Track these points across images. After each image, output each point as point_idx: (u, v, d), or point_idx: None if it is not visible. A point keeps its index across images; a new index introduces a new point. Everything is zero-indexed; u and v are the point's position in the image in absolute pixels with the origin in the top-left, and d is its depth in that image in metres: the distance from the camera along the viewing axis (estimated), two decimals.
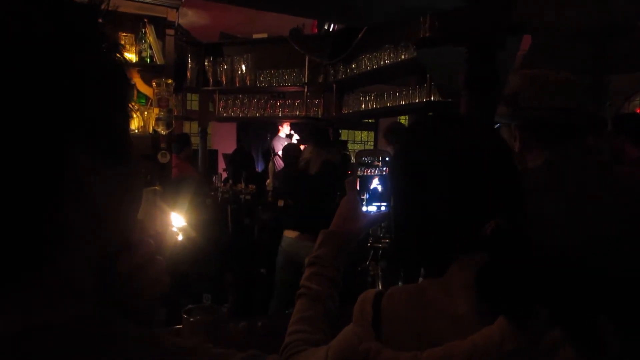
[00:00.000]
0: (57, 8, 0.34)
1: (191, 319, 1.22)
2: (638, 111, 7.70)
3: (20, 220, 0.31)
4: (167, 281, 0.53)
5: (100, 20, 0.38)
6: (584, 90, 1.23)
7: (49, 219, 0.33)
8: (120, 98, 0.39)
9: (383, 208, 1.07)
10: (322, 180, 2.84)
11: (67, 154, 0.33)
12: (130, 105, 0.42)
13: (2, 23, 0.31)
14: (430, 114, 3.29)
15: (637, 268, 1.11)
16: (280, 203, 4.00)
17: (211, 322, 1.23)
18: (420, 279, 0.89)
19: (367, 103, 4.15)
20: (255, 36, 4.79)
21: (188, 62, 4.53)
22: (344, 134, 8.31)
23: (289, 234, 2.94)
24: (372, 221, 1.03)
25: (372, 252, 2.60)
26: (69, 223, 0.34)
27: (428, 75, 3.19)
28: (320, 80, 4.56)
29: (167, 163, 3.40)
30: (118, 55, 0.39)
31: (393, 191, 0.80)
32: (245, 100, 4.74)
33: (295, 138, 5.69)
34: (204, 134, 5.03)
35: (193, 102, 5.79)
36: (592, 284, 0.75)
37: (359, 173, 1.14)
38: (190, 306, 1.28)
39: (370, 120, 7.89)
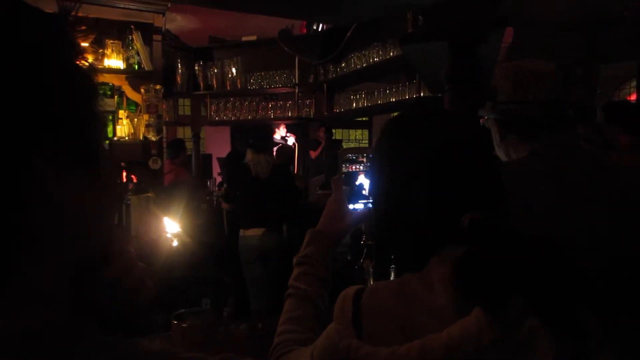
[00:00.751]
0: (19, 17, 0.35)
1: (182, 325, 1.22)
2: (629, 99, 7.72)
3: None
4: (150, 287, 0.53)
5: (67, 28, 0.38)
6: (565, 80, 1.23)
7: (14, 227, 0.33)
8: (87, 105, 0.39)
9: (370, 205, 1.07)
10: (274, 184, 3.20)
11: (31, 163, 0.33)
12: (101, 112, 0.41)
13: None
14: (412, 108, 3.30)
15: (623, 256, 1.11)
16: (225, 206, 3.91)
17: (201, 326, 1.23)
18: (392, 275, 0.89)
19: (358, 101, 4.16)
20: (244, 39, 4.79)
21: (178, 67, 4.53)
22: (338, 134, 8.31)
23: (256, 232, 3.21)
24: (359, 219, 1.03)
25: (365, 249, 2.61)
26: (35, 231, 0.34)
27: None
28: (311, 80, 4.56)
29: (159, 169, 3.38)
30: (84, 62, 0.39)
31: (373, 185, 0.79)
32: (237, 103, 4.75)
33: (291, 140, 5.70)
34: (196, 138, 5.03)
35: (185, 107, 5.78)
36: (572, 273, 0.75)
37: (344, 170, 1.14)
38: (181, 311, 1.27)
39: (364, 119, 7.90)
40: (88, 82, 0.39)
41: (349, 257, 2.92)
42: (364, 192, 1.10)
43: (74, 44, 0.38)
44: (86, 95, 0.39)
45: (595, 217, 1.15)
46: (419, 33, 1.77)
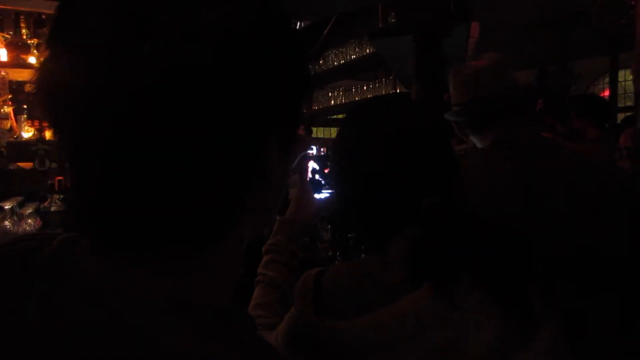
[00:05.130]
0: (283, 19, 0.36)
1: None
2: (602, 95, 7.91)
3: (217, 194, 0.33)
4: None
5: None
6: (501, 72, 1.28)
7: (241, 205, 0.35)
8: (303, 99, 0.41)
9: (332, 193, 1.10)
10: None
11: (266, 151, 0.35)
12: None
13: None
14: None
15: (577, 236, 1.17)
16: None
17: None
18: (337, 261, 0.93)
19: (336, 98, 4.20)
20: None
21: None
22: (320, 132, 8.33)
23: None
24: (323, 207, 1.07)
25: (351, 241, 2.65)
26: (256, 208, 0.37)
27: None
28: None
29: None
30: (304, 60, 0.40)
31: (333, 170, 0.82)
32: None
33: None
34: None
35: None
36: (519, 252, 0.78)
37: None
38: None
39: (341, 116, 7.93)
40: (307, 79, 0.40)
41: (329, 253, 2.96)
42: (317, 177, 1.12)
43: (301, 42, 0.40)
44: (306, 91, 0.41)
45: (546, 202, 1.20)
46: (386, 28, 1.82)
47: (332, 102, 4.20)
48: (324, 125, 8.68)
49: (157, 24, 0.29)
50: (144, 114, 0.29)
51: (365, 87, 3.87)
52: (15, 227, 1.66)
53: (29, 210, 1.72)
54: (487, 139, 1.39)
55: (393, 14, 1.84)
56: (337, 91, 4.18)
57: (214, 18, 0.31)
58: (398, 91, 3.35)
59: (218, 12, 0.31)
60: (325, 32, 3.78)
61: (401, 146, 0.74)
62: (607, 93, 7.61)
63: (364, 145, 0.76)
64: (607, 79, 7.39)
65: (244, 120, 0.33)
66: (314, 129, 6.36)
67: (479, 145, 1.44)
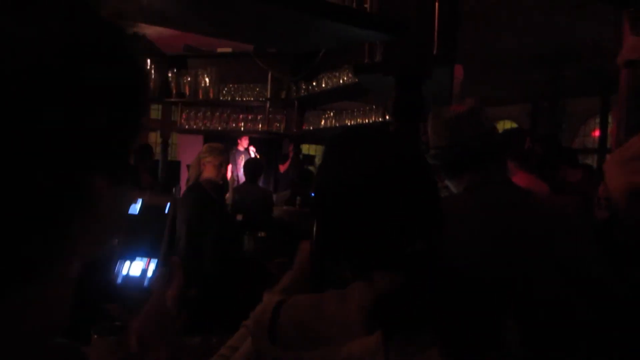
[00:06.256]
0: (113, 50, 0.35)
1: (96, 336, 1.20)
2: (593, 134, 8.02)
3: (32, 227, 0.32)
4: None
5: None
6: (480, 118, 1.30)
7: (58, 229, 0.33)
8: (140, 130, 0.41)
9: None
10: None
11: (88, 178, 0.34)
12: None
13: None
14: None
15: (543, 283, 1.18)
16: (239, 217, 4.01)
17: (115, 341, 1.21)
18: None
19: (326, 120, 4.22)
20: (219, 50, 4.82)
21: (152, 72, 4.52)
22: (312, 149, 8.36)
23: None
24: None
25: None
26: (74, 236, 0.35)
27: None
28: (283, 96, 4.62)
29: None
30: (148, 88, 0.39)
31: (316, 202, 0.80)
32: (208, 113, 4.75)
33: (252, 152, 5.72)
34: (164, 145, 5.01)
35: (157, 112, 5.75)
36: (489, 305, 0.77)
37: None
38: (103, 322, 1.26)
39: None
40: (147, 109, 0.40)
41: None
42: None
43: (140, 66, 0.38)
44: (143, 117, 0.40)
45: (521, 250, 1.21)
46: (369, 65, 1.84)
47: (322, 123, 4.22)
48: (316, 143, 8.71)
49: None
50: None
51: (355, 112, 3.90)
52: None
53: None
54: (461, 184, 1.40)
55: (381, 50, 1.86)
56: (328, 113, 4.20)
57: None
58: (387, 119, 3.37)
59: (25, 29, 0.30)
60: (320, 55, 3.81)
61: (384, 181, 0.72)
62: (597, 133, 7.72)
63: (344, 176, 0.74)
64: (598, 119, 7.50)
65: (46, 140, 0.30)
66: (307, 147, 6.38)
67: (453, 189, 1.45)
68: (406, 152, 0.77)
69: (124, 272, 0.63)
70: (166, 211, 0.67)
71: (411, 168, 0.75)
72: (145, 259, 0.63)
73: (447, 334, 0.64)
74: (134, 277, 0.63)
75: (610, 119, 6.83)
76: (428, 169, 0.79)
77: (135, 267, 0.63)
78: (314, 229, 0.89)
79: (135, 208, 0.64)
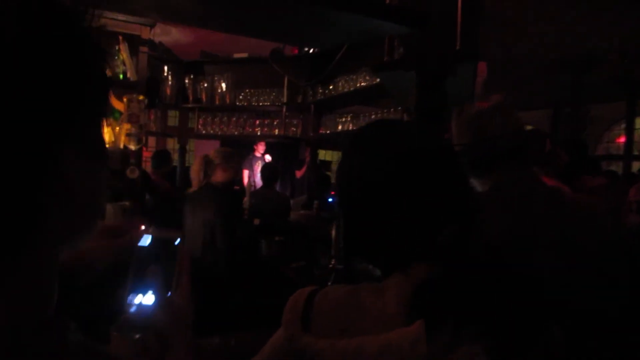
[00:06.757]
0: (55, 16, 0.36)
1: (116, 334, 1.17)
2: (617, 141, 7.81)
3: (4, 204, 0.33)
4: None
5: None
6: (506, 114, 1.24)
7: (28, 207, 0.35)
8: (106, 104, 0.43)
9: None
10: None
11: (56, 153, 0.36)
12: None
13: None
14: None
15: (571, 284, 1.12)
16: (257, 221, 3.98)
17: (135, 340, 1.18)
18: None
19: (343, 124, 4.18)
20: (236, 55, 4.83)
21: (168, 78, 4.54)
22: (328, 155, 8.32)
23: None
24: None
25: (333, 274, 2.58)
26: (48, 211, 0.36)
27: None
28: (299, 100, 4.59)
29: (137, 179, 3.36)
30: (106, 64, 0.41)
31: (339, 197, 0.78)
32: (225, 118, 4.75)
33: (268, 158, 5.71)
34: (182, 151, 5.02)
35: (175, 118, 5.79)
36: (524, 304, 0.75)
37: None
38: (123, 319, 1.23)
39: None
40: (109, 83, 0.42)
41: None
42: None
43: (99, 44, 0.40)
44: (107, 95, 0.43)
45: (542, 254, 1.16)
46: (388, 62, 1.79)
47: (339, 127, 4.18)
48: (333, 149, 8.68)
49: None
50: None
51: (373, 116, 3.84)
52: None
53: None
54: (486, 183, 1.33)
55: (401, 48, 1.80)
56: (345, 117, 4.15)
57: None
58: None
59: None
60: (337, 58, 3.78)
61: (409, 168, 0.69)
62: (622, 139, 7.51)
63: (370, 169, 0.72)
64: (623, 125, 7.29)
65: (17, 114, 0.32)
66: (324, 152, 6.35)
67: (478, 188, 1.38)
68: (431, 139, 0.75)
69: (137, 301, 0.59)
70: (176, 243, 0.65)
71: (438, 154, 0.72)
72: (156, 293, 0.60)
73: (493, 329, 0.60)
74: (146, 306, 0.59)
75: (638, 125, 6.64)
76: (454, 155, 0.76)
77: (147, 299, 0.61)
78: (339, 230, 0.86)
79: (145, 241, 0.62)
